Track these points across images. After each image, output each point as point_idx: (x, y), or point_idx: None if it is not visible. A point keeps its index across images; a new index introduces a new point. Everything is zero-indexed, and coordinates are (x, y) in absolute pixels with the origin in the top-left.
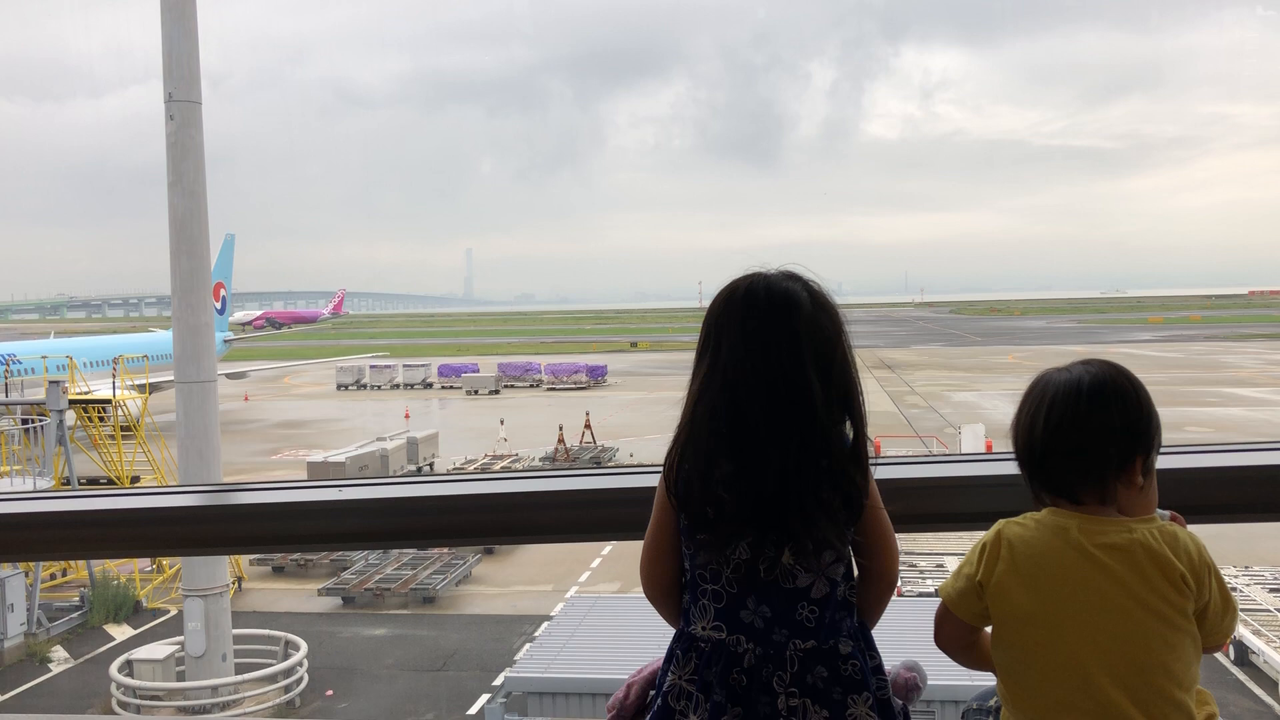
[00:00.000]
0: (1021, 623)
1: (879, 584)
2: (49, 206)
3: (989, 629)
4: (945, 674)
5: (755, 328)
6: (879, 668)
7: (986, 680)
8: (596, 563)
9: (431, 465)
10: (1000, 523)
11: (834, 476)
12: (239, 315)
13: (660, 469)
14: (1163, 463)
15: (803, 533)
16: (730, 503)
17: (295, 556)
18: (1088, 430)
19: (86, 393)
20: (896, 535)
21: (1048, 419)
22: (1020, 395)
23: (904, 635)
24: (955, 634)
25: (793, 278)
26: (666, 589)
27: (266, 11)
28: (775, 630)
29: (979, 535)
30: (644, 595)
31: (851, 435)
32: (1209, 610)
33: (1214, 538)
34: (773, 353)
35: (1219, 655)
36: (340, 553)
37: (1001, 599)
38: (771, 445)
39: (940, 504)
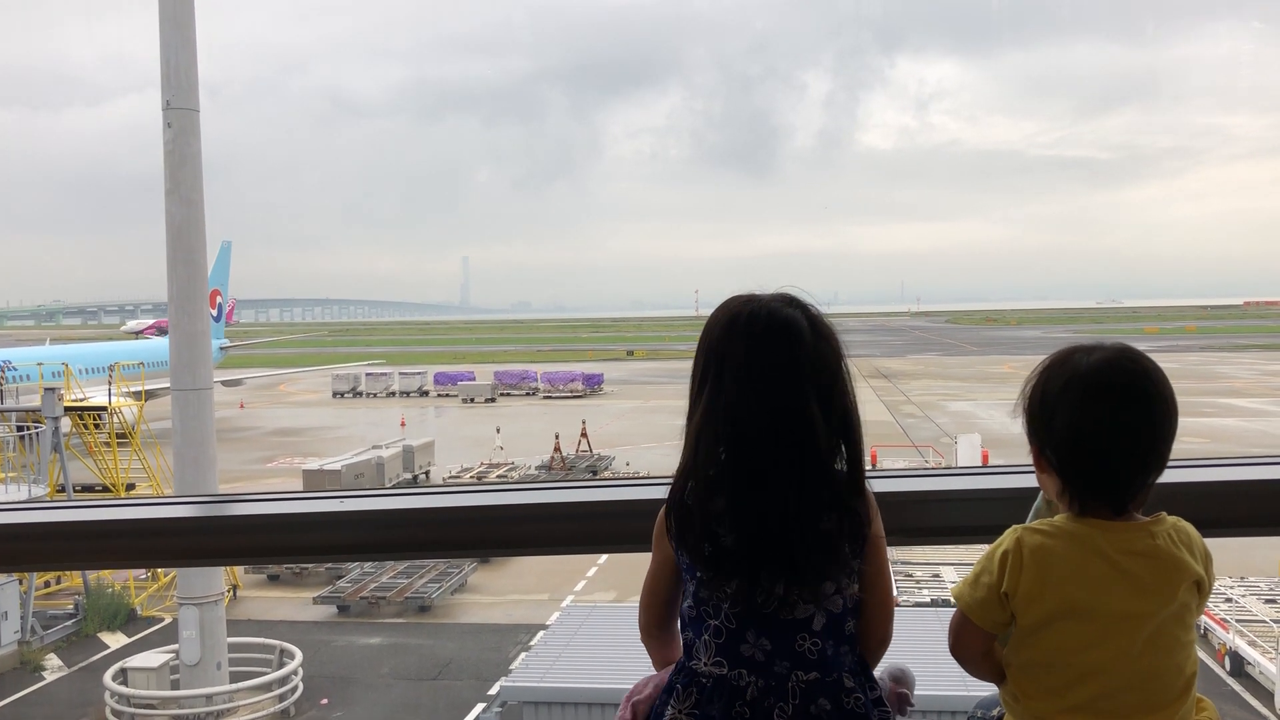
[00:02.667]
0: (1048, 629)
1: (877, 617)
2: (46, 214)
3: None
4: (939, 685)
5: (757, 358)
6: (879, 700)
7: (981, 690)
8: (592, 572)
9: (427, 474)
10: (1016, 529)
11: (835, 507)
12: (131, 324)
13: (660, 481)
14: (1163, 476)
15: (802, 564)
16: (729, 538)
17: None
18: (1144, 434)
19: (82, 400)
20: (895, 548)
21: (1091, 418)
22: (1032, 393)
23: (901, 646)
24: (973, 642)
25: (792, 303)
26: (661, 623)
27: (265, 21)
28: (776, 662)
29: (973, 546)
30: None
31: (849, 462)
32: (1206, 594)
33: (1210, 547)
34: (775, 384)
35: (1214, 666)
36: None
37: (1029, 607)
38: (775, 478)
39: (938, 518)
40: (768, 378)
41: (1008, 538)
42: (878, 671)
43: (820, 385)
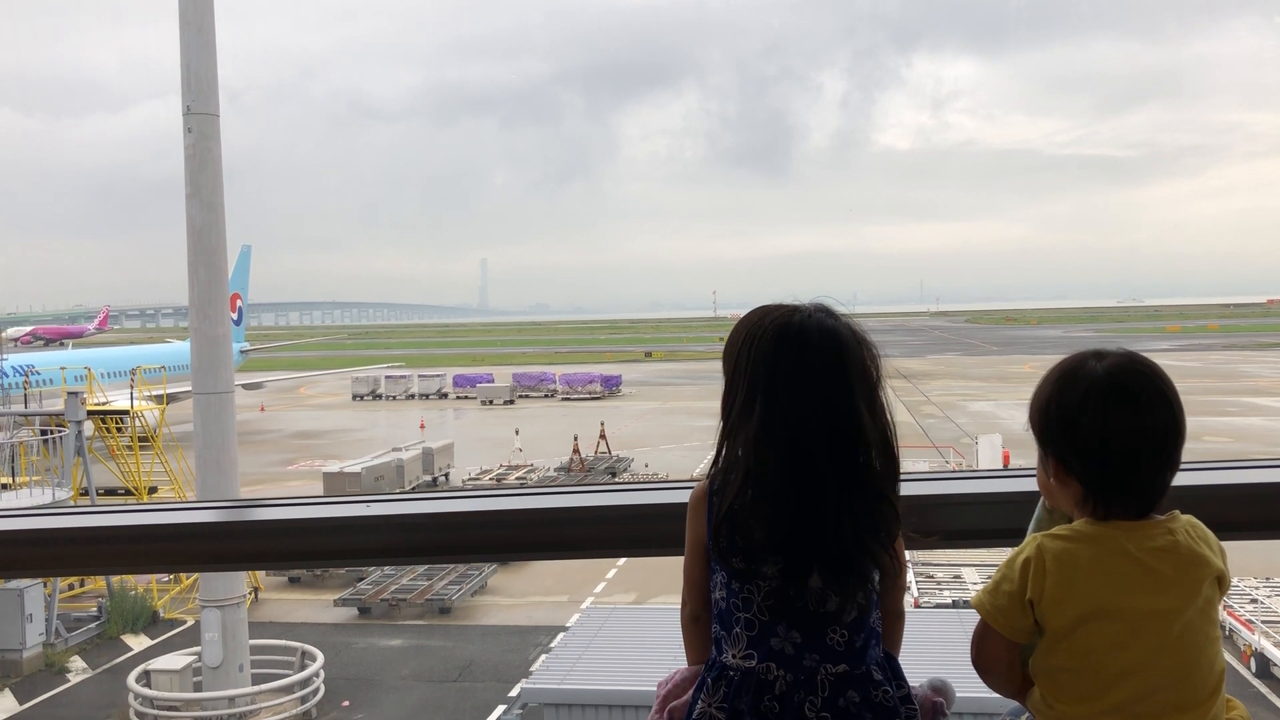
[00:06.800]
0: (1077, 633)
1: (891, 611)
2: (67, 219)
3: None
4: (973, 687)
5: (809, 372)
6: (907, 697)
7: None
8: (612, 573)
9: (447, 476)
10: (1036, 537)
11: (875, 502)
12: (11, 331)
13: (680, 484)
14: (1185, 479)
15: (850, 554)
16: (765, 530)
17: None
18: (1167, 435)
19: (104, 404)
20: (917, 550)
21: (1117, 425)
22: (1047, 405)
23: (925, 645)
24: (996, 652)
25: (832, 314)
26: (708, 605)
27: (285, 27)
28: (806, 656)
29: (996, 550)
30: (674, 615)
31: (885, 463)
32: (1226, 589)
33: (1234, 550)
34: (829, 396)
35: (1240, 667)
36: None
37: (1055, 611)
38: (831, 487)
39: (961, 521)
40: (821, 389)
41: (1028, 545)
42: (918, 681)
43: (865, 394)
